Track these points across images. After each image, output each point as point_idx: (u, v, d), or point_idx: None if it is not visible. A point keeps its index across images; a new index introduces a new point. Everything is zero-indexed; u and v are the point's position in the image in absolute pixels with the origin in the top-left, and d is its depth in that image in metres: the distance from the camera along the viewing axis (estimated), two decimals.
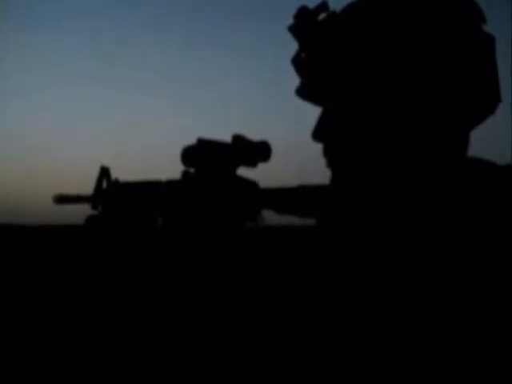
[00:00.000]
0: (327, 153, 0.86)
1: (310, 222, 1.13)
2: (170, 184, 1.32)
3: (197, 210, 1.24)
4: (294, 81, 0.86)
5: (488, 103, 0.78)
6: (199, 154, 1.27)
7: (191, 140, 1.34)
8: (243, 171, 1.23)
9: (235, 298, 1.04)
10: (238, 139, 1.23)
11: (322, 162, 0.85)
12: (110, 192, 1.39)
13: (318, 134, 0.86)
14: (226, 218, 1.20)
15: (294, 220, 1.10)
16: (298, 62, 0.84)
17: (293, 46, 0.84)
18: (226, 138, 1.26)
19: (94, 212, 1.39)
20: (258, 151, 1.22)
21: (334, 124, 0.83)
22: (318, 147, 0.85)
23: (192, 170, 1.30)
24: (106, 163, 1.46)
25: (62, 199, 1.46)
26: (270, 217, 1.21)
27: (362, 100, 0.78)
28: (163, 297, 1.17)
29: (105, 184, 1.41)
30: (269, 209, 1.18)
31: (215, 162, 1.24)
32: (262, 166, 1.26)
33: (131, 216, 1.34)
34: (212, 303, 1.04)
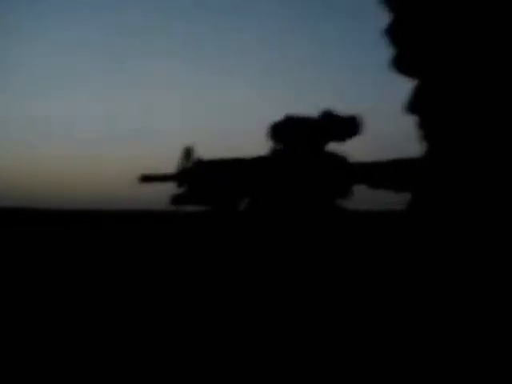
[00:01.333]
0: (423, 126, 0.85)
1: (401, 198, 1.13)
2: (257, 161, 1.33)
3: (286, 188, 1.25)
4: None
5: None
6: (288, 130, 1.27)
7: (277, 117, 1.36)
8: (333, 146, 1.23)
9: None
10: (327, 114, 1.23)
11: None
12: (195, 170, 1.42)
13: (413, 106, 0.84)
14: (317, 195, 1.20)
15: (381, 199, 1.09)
16: (392, 32, 0.82)
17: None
18: (314, 113, 1.27)
19: (179, 191, 1.42)
20: (347, 126, 1.22)
21: (433, 96, 0.81)
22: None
23: (279, 147, 1.31)
24: (190, 142, 1.49)
25: (146, 179, 1.49)
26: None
27: (465, 71, 0.76)
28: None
29: (189, 163, 1.44)
30: (361, 184, 1.18)
31: (304, 138, 1.25)
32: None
33: (216, 194, 1.36)
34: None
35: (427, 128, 0.85)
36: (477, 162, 0.79)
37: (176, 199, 1.45)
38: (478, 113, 0.78)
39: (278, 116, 1.34)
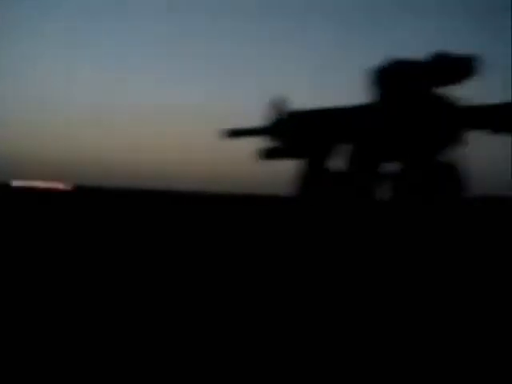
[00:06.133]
0: None
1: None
2: (356, 109, 1.24)
3: (392, 136, 1.16)
4: None
5: None
6: (394, 73, 1.16)
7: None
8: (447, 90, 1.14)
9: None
10: (441, 56, 1.11)
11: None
12: (285, 122, 1.33)
13: None
14: (427, 144, 1.11)
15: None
16: None
17: None
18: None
19: (271, 144, 1.35)
20: (463, 68, 1.10)
21: None
22: None
23: (381, 93, 1.20)
24: (278, 94, 1.40)
25: (234, 133, 1.42)
26: None
27: None
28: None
29: (278, 115, 1.36)
30: (477, 128, 1.07)
31: (413, 82, 1.14)
32: None
33: (308, 145, 1.28)
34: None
35: None
36: None
37: (268, 153, 1.37)
38: None
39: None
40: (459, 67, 1.05)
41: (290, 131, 1.30)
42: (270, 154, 1.45)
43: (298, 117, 1.32)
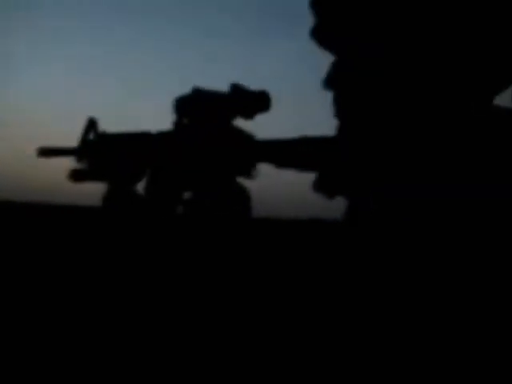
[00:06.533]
0: (337, 102, 0.83)
1: (309, 176, 1.10)
2: (162, 135, 1.26)
3: (189, 163, 1.20)
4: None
5: None
6: (194, 103, 1.21)
7: (184, 90, 1.28)
8: (240, 123, 1.19)
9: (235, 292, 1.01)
10: (236, 88, 1.18)
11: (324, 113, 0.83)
12: (98, 144, 1.32)
13: (330, 81, 0.84)
14: (220, 172, 1.16)
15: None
16: (316, 4, 0.80)
17: None
18: (223, 88, 1.22)
19: (79, 165, 1.32)
20: (257, 102, 1.17)
21: (348, 72, 0.80)
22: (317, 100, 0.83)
23: (185, 121, 1.25)
24: (93, 115, 1.39)
25: (45, 152, 1.38)
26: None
27: (379, 50, 0.75)
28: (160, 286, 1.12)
29: (92, 136, 1.34)
30: (267, 162, 1.14)
31: (210, 112, 1.19)
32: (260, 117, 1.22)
33: (118, 169, 1.28)
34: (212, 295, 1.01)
35: (339, 105, 0.84)
36: (385, 142, 0.78)
37: (75, 174, 1.35)
38: (389, 95, 0.77)
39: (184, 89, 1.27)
40: (252, 100, 1.15)
41: (99, 153, 1.31)
42: (77, 176, 1.43)
43: (106, 139, 1.34)
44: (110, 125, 1.40)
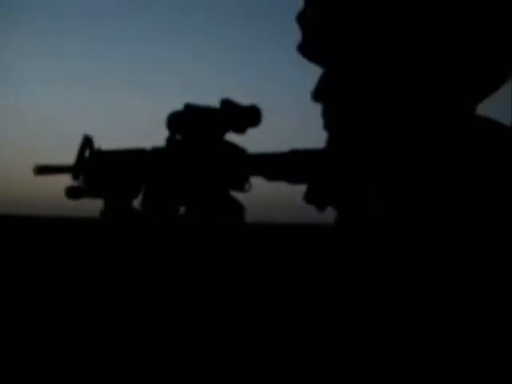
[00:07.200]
0: (326, 114, 0.84)
1: (300, 188, 1.12)
2: (155, 152, 1.29)
3: (183, 178, 1.22)
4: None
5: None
6: (186, 119, 1.24)
7: (178, 107, 1.31)
8: (232, 137, 1.22)
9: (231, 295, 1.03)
10: (227, 104, 1.21)
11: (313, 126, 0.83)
12: (93, 161, 1.35)
13: (319, 94, 0.84)
14: (213, 186, 1.18)
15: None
16: (302, 19, 0.82)
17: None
18: (215, 103, 1.24)
19: (75, 183, 1.35)
20: (248, 116, 1.20)
21: (336, 84, 0.81)
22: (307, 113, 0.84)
23: (178, 137, 1.27)
24: (89, 132, 1.41)
25: (41, 170, 1.40)
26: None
27: (367, 60, 0.76)
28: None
29: (87, 153, 1.36)
30: (258, 176, 1.16)
31: (202, 128, 1.21)
32: (251, 131, 1.24)
33: (114, 186, 1.30)
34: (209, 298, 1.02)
35: (329, 117, 0.84)
36: (374, 154, 0.79)
37: (72, 191, 1.37)
38: (378, 105, 0.77)
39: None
40: (243, 115, 1.17)
41: (94, 170, 1.34)
42: (73, 193, 1.45)
43: (102, 156, 1.36)
44: (106, 141, 1.42)
